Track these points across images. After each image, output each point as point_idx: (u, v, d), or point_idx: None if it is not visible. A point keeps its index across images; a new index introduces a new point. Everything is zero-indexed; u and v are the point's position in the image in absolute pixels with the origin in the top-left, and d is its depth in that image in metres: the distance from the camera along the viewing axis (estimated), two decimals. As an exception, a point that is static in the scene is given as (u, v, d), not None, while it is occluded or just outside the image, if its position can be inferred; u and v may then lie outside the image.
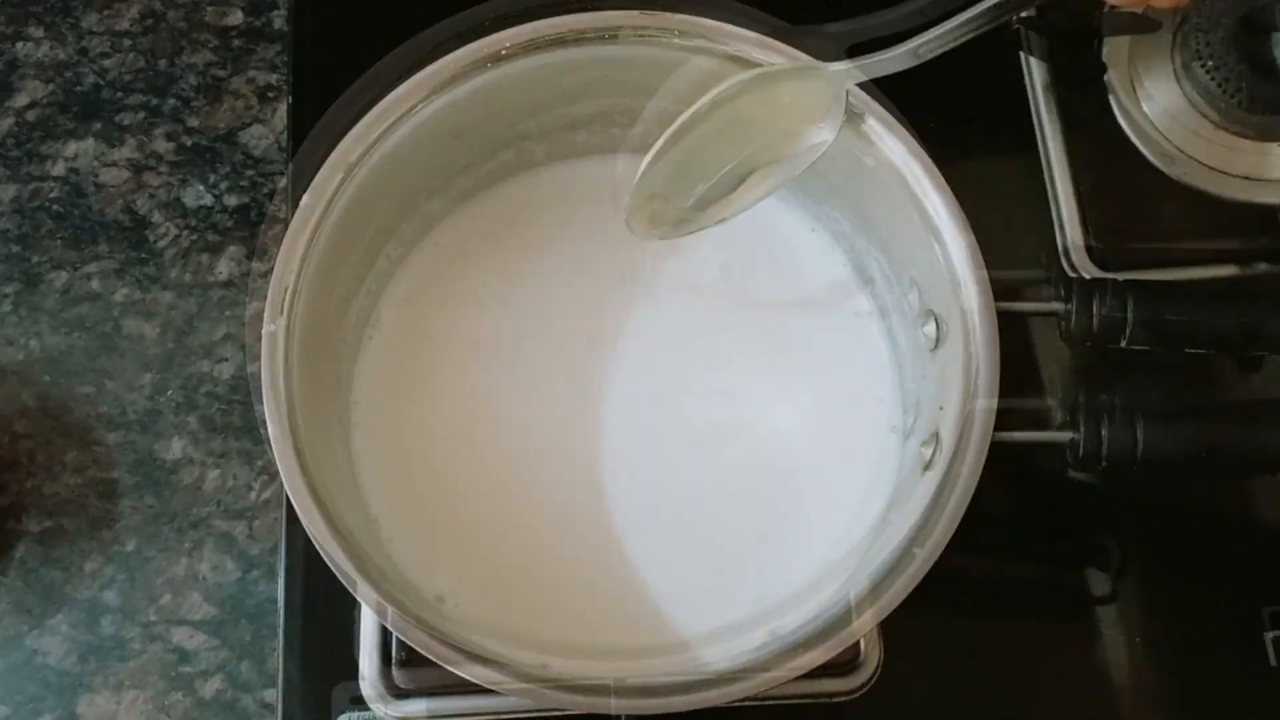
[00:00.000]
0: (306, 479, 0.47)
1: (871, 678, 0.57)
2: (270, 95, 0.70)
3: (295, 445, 0.47)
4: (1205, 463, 0.51)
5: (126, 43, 0.71)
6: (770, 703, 0.57)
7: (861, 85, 0.52)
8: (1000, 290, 0.50)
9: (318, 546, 0.46)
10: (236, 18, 0.71)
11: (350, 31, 0.70)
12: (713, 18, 0.52)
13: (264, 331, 0.48)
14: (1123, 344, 0.52)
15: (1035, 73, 0.68)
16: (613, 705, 0.45)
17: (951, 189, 0.50)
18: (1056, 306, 0.53)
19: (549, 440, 0.58)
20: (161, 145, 0.69)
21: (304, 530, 0.46)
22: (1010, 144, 0.68)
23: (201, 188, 0.68)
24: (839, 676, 0.56)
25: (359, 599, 0.46)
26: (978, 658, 0.60)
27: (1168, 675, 0.59)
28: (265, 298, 0.49)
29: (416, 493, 0.56)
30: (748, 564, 0.56)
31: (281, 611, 0.59)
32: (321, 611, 0.59)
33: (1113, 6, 0.59)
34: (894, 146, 0.51)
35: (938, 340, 0.52)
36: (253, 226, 0.67)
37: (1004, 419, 0.48)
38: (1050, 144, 0.66)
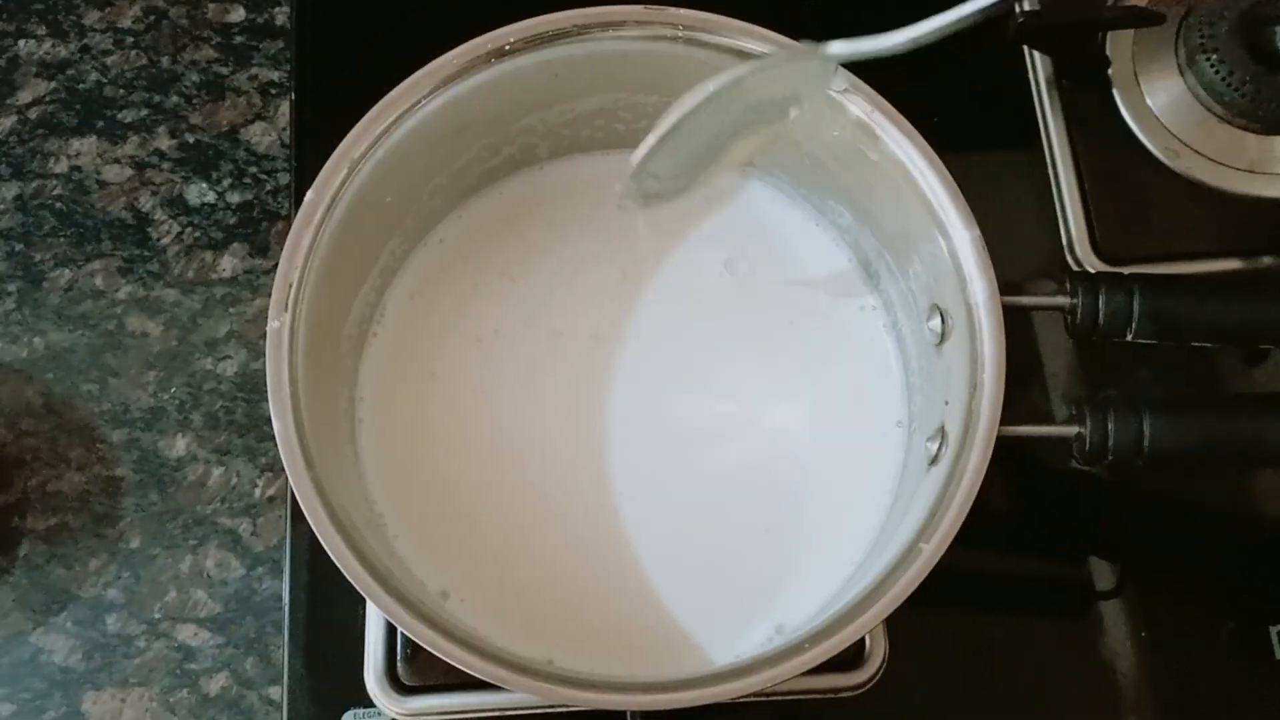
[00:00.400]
0: (312, 474, 0.47)
1: (877, 673, 0.57)
2: (273, 92, 0.70)
3: (300, 441, 0.47)
4: (1210, 456, 0.51)
5: (129, 40, 0.71)
6: (776, 698, 0.57)
7: (865, 79, 0.51)
8: (1005, 285, 0.49)
9: (323, 542, 0.46)
10: (238, 14, 0.71)
11: (353, 28, 0.70)
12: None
13: (269, 327, 0.48)
14: (1128, 338, 0.52)
15: (1039, 67, 0.68)
16: (619, 700, 0.46)
17: (956, 183, 0.50)
18: (1061, 301, 0.53)
19: (553, 436, 0.58)
20: (164, 143, 0.69)
21: (308, 527, 0.46)
22: (1014, 138, 0.68)
23: (204, 185, 0.68)
24: (844, 672, 0.56)
25: (364, 595, 0.46)
26: (983, 653, 0.60)
27: (1173, 670, 0.59)
28: (270, 294, 0.49)
29: (421, 489, 0.56)
30: (752, 560, 0.56)
31: (286, 608, 0.59)
32: (326, 608, 0.59)
33: None
34: (898, 140, 0.51)
35: (943, 335, 0.52)
36: (255, 224, 0.67)
37: (1009, 413, 0.48)
38: (1054, 138, 0.66)
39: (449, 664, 0.45)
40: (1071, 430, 0.51)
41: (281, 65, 0.70)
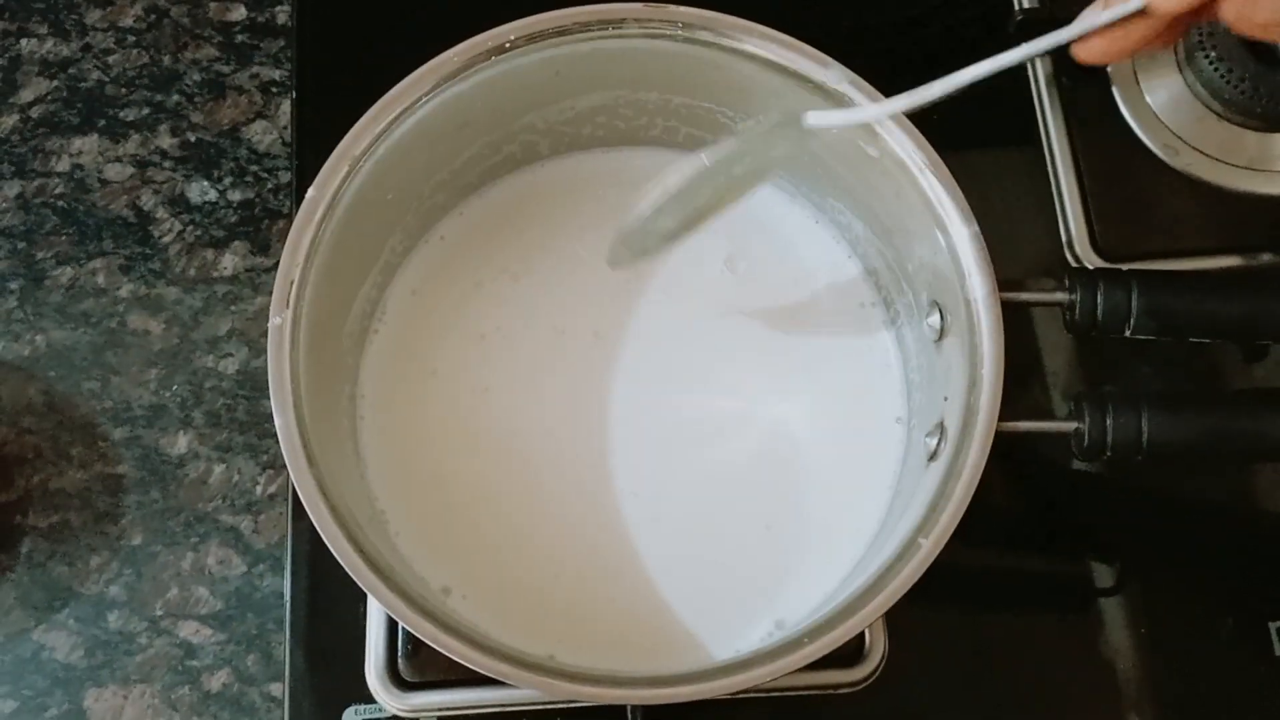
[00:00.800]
0: (313, 471, 0.47)
1: (877, 669, 0.57)
2: (274, 91, 0.70)
3: (302, 437, 0.47)
4: (1210, 452, 0.51)
5: (130, 39, 0.71)
6: (776, 694, 0.57)
7: (865, 78, 0.52)
8: (1004, 281, 0.50)
9: (325, 538, 0.46)
10: (240, 13, 0.72)
11: (354, 27, 0.70)
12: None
13: (270, 324, 0.48)
14: (1127, 333, 0.52)
15: (1038, 64, 0.68)
16: (619, 695, 0.46)
17: (955, 180, 0.50)
18: (1060, 297, 0.53)
19: (555, 433, 0.58)
20: (165, 141, 0.69)
21: (310, 524, 0.46)
22: (1014, 136, 0.68)
23: (206, 183, 0.68)
24: (844, 668, 0.57)
25: (366, 591, 0.46)
26: (982, 649, 0.60)
27: (1173, 666, 0.59)
28: (271, 293, 0.49)
29: (423, 486, 0.56)
30: (753, 556, 0.56)
31: (288, 605, 0.59)
32: (328, 605, 0.59)
33: None
34: (897, 137, 0.51)
35: (942, 331, 0.52)
36: (257, 222, 0.67)
37: (1009, 410, 0.48)
38: (1053, 135, 0.66)
39: (450, 660, 0.45)
40: (1070, 426, 0.51)
41: (283, 64, 0.70)
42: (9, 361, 0.64)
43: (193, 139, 0.69)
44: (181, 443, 0.63)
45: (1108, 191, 0.65)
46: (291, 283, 0.49)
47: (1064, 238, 0.65)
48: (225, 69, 0.70)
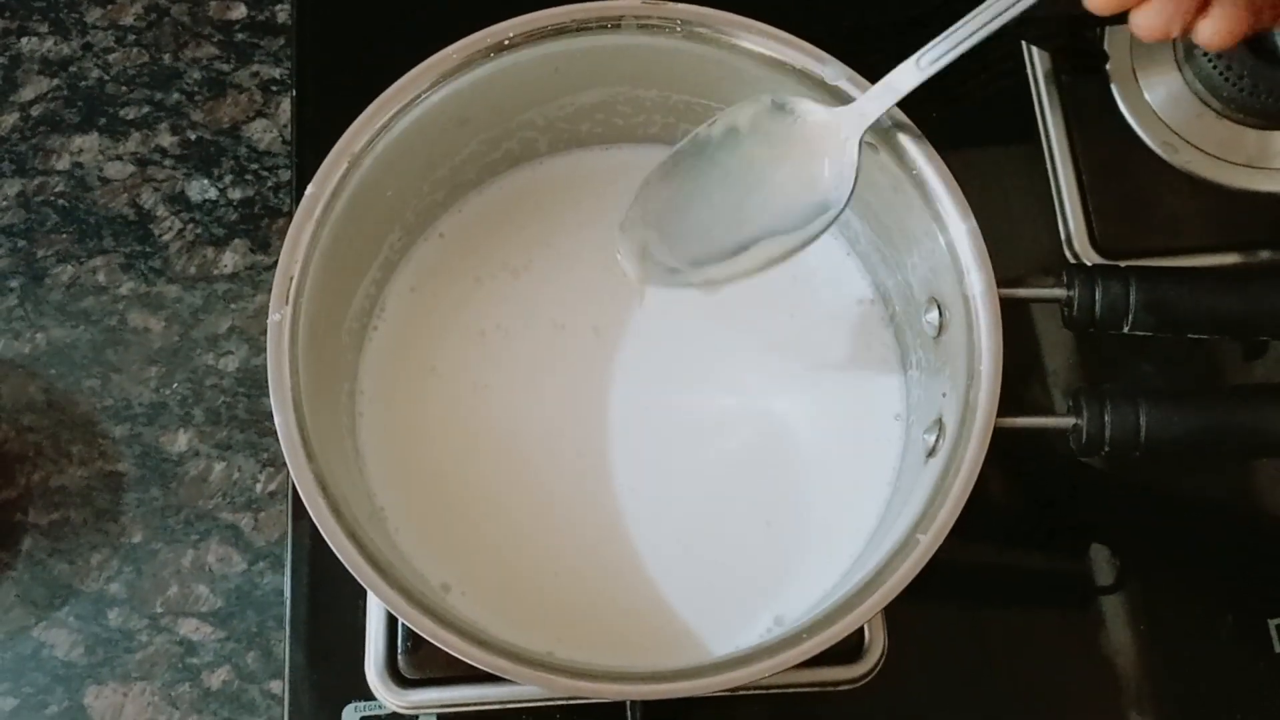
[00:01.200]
0: (313, 467, 0.47)
1: (876, 666, 0.57)
2: (274, 89, 0.70)
3: (301, 434, 0.47)
4: (1208, 447, 0.51)
5: (130, 38, 0.71)
6: (775, 691, 0.57)
7: (864, 75, 0.52)
8: (1003, 277, 0.49)
9: (324, 534, 0.46)
10: (240, 12, 0.72)
11: (353, 25, 0.70)
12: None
13: (269, 320, 0.48)
14: (1125, 330, 0.52)
15: (1037, 62, 0.68)
16: (618, 690, 0.46)
17: (954, 177, 0.50)
18: (1059, 293, 0.53)
19: (555, 430, 0.58)
20: (166, 140, 0.69)
21: (310, 521, 0.46)
22: (1012, 133, 0.68)
23: (206, 181, 0.68)
24: (844, 664, 0.57)
25: (365, 587, 0.46)
26: (982, 646, 0.60)
27: (1172, 663, 0.59)
28: (271, 291, 0.50)
29: (422, 482, 0.56)
30: (753, 552, 0.56)
31: (288, 602, 0.59)
32: (328, 602, 0.59)
33: None
34: (895, 133, 0.50)
35: (940, 327, 0.52)
36: (257, 220, 0.67)
37: (1007, 405, 0.48)
38: (1052, 132, 0.66)
39: (450, 657, 0.45)
40: (1068, 421, 0.51)
41: (283, 62, 0.70)
42: (9, 359, 0.65)
43: (193, 137, 0.69)
44: (182, 440, 0.64)
45: (1107, 189, 0.65)
46: (291, 279, 0.49)
47: (1063, 235, 0.65)
48: (225, 67, 0.71)
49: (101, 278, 0.66)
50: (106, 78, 0.70)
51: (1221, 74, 0.64)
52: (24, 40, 0.71)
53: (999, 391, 0.48)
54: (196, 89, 0.70)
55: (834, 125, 0.49)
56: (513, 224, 0.60)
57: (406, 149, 0.53)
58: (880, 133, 0.51)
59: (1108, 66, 0.66)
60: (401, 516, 0.55)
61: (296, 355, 0.48)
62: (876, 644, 0.57)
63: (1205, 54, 0.64)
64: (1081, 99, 0.66)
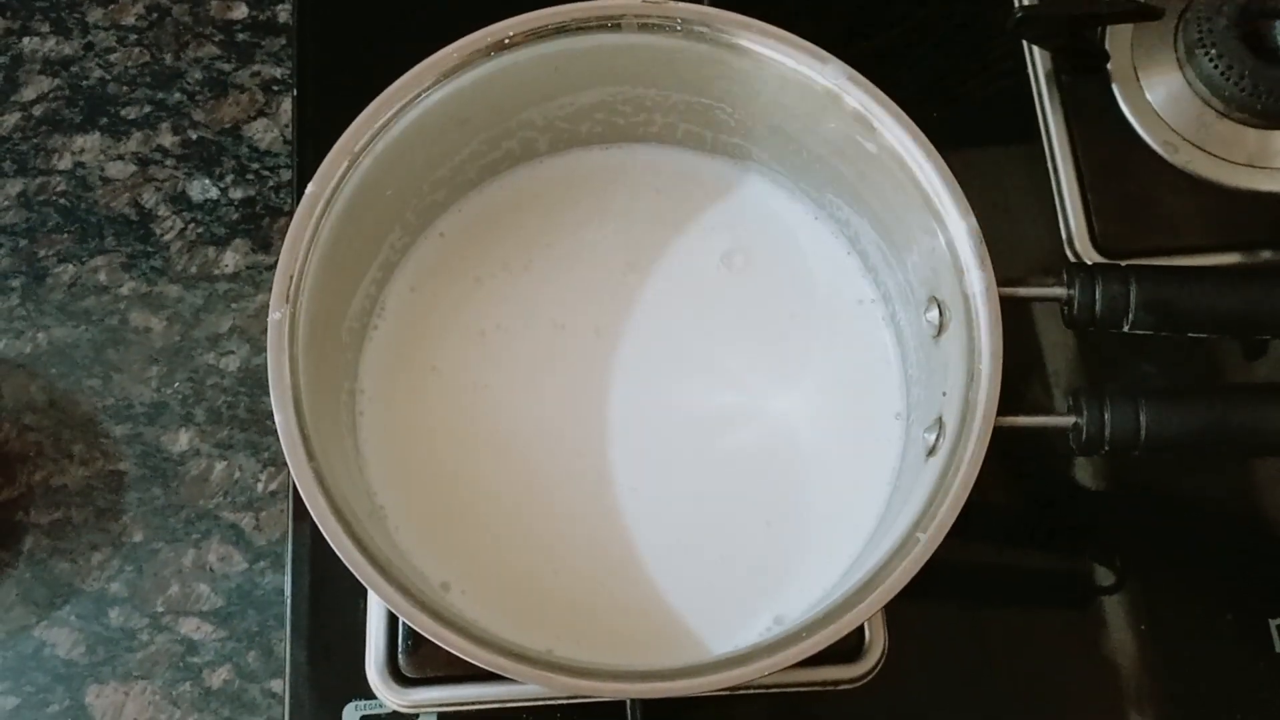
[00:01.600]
0: (313, 466, 0.47)
1: (876, 665, 0.57)
2: (275, 89, 0.70)
3: (301, 432, 0.47)
4: (1207, 445, 0.51)
5: (132, 38, 0.71)
6: (776, 690, 0.57)
7: (864, 72, 0.52)
8: (1003, 277, 0.50)
9: (324, 532, 0.46)
10: (241, 11, 0.72)
11: (354, 25, 0.70)
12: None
13: (269, 319, 0.48)
14: (1125, 329, 0.52)
15: (1038, 61, 0.68)
16: (618, 689, 0.46)
17: (955, 177, 0.50)
18: (1059, 292, 0.53)
19: (555, 430, 0.58)
20: (167, 139, 0.69)
21: (311, 521, 0.46)
22: (1013, 133, 0.68)
23: (207, 181, 0.68)
24: (844, 664, 0.57)
25: (365, 585, 0.46)
26: (983, 645, 0.60)
27: (1173, 663, 0.59)
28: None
29: (423, 481, 0.56)
30: (753, 552, 0.56)
31: (288, 602, 0.59)
32: (328, 601, 0.59)
33: None
34: (895, 131, 0.51)
35: (940, 326, 0.52)
36: (258, 220, 0.68)
37: (1007, 404, 0.48)
38: (1053, 132, 0.66)
39: (450, 655, 0.45)
40: (1068, 421, 0.51)
41: (284, 62, 0.70)
42: (11, 359, 0.65)
43: (194, 137, 0.69)
44: (183, 440, 0.64)
45: (1107, 188, 0.65)
46: (291, 278, 0.49)
47: (1064, 235, 0.65)
48: (226, 67, 0.71)
49: (103, 277, 0.66)
50: (108, 77, 0.70)
51: (1223, 73, 0.64)
52: (25, 40, 0.71)
53: (999, 390, 0.48)
54: (198, 89, 0.70)
55: None
56: (513, 223, 0.60)
57: (407, 148, 0.53)
58: (879, 131, 0.51)
59: (1109, 66, 0.66)
60: (401, 515, 0.55)
61: (296, 354, 0.48)
62: (877, 644, 0.57)
63: (1207, 54, 0.64)
64: (1082, 98, 0.66)
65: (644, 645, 0.54)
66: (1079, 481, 0.62)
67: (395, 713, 0.57)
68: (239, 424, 0.64)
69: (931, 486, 0.48)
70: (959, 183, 0.50)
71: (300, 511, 0.59)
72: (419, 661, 0.57)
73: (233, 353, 0.65)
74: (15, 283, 0.66)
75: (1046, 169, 0.66)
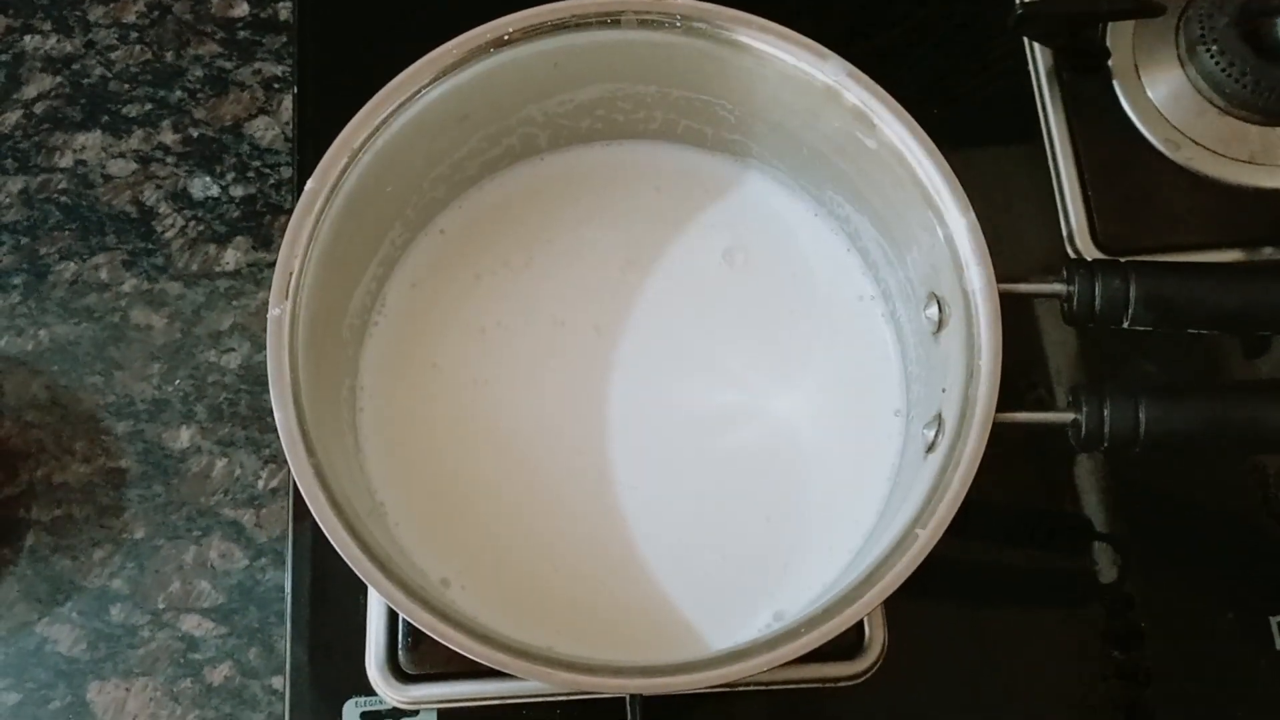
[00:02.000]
0: (313, 462, 0.47)
1: (876, 662, 0.57)
2: (276, 87, 0.70)
3: (302, 429, 0.47)
4: (1207, 442, 0.51)
5: (133, 35, 0.71)
6: (776, 687, 0.57)
7: (862, 68, 0.52)
8: (1003, 273, 0.49)
9: (324, 529, 0.46)
10: (242, 9, 0.72)
11: (355, 23, 0.70)
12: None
13: (269, 315, 0.48)
14: (1125, 325, 0.52)
15: (1039, 58, 0.68)
16: (617, 684, 0.46)
17: (955, 174, 0.50)
18: (1059, 288, 0.53)
19: (556, 426, 0.58)
20: (168, 137, 0.69)
21: (311, 518, 0.46)
22: (1014, 130, 0.68)
23: (208, 179, 0.68)
24: (843, 661, 0.57)
25: (365, 582, 0.46)
26: (982, 642, 0.60)
27: (1173, 660, 0.59)
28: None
29: (423, 478, 0.56)
30: (753, 548, 0.56)
31: (289, 598, 0.59)
32: (329, 598, 0.59)
33: None
34: (895, 128, 0.51)
35: (940, 323, 0.52)
36: (259, 217, 0.68)
37: (1006, 401, 0.48)
38: (1054, 129, 0.66)
39: (450, 652, 0.45)
40: (1068, 417, 0.51)
41: (284, 60, 0.70)
42: (12, 356, 0.65)
43: (195, 135, 0.69)
44: (184, 437, 0.64)
45: (1108, 185, 0.65)
46: (291, 274, 0.49)
47: (1065, 232, 0.65)
48: (227, 65, 0.71)
49: (104, 275, 0.66)
50: (109, 75, 0.70)
51: (1224, 70, 0.64)
52: (27, 38, 0.71)
53: (998, 387, 0.48)
54: (199, 86, 0.70)
55: None
56: (513, 220, 0.60)
57: (406, 145, 0.53)
58: (880, 127, 0.51)
59: (1110, 63, 0.66)
60: (402, 512, 0.56)
61: (296, 351, 0.48)
62: (876, 641, 0.57)
63: (1208, 50, 0.64)
64: (1083, 96, 0.66)
65: (644, 641, 0.54)
66: (1078, 478, 0.62)
67: (395, 709, 0.57)
68: (240, 421, 0.64)
69: (931, 483, 0.48)
70: (960, 180, 0.50)
71: (301, 508, 0.59)
72: (419, 658, 0.57)
73: (234, 350, 0.65)
74: (17, 280, 0.66)
75: (1047, 166, 0.66)
